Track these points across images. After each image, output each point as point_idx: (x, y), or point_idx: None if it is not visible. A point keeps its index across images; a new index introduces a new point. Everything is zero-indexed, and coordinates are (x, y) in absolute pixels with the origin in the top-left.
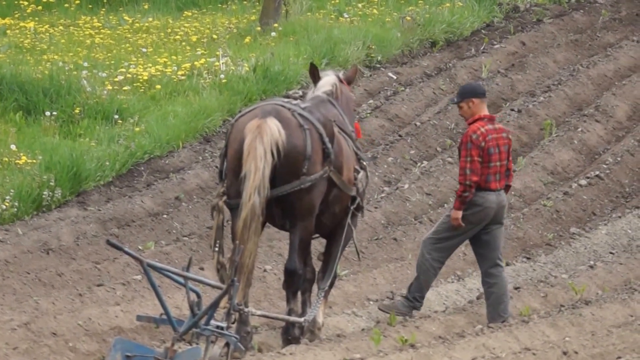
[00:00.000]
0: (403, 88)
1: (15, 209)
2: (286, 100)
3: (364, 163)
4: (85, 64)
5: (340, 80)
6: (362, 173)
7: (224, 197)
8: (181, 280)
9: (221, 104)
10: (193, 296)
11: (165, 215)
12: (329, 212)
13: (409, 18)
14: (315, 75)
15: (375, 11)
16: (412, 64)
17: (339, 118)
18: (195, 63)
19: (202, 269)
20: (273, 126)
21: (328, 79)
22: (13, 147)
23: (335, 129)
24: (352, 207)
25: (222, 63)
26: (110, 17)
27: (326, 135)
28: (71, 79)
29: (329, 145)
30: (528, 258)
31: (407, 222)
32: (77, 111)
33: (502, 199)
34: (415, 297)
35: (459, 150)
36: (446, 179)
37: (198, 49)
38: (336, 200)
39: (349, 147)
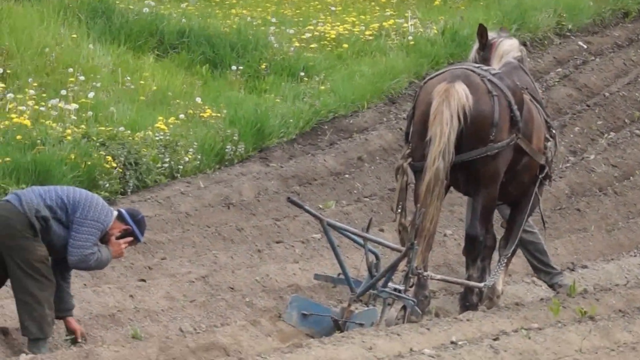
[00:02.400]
0: (593, 58)
1: (198, 162)
2: (477, 65)
3: (554, 132)
4: (274, 20)
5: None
6: (551, 142)
7: (409, 160)
8: (360, 240)
9: (408, 66)
10: (372, 257)
11: (347, 175)
12: (516, 180)
13: None
14: (483, 37)
15: None
16: (603, 34)
17: (530, 85)
18: (384, 23)
19: (382, 230)
20: (461, 91)
21: (512, 43)
22: (198, 99)
23: (527, 97)
24: (540, 176)
25: (411, 25)
26: None
27: (515, 103)
28: (259, 34)
29: (517, 113)
30: None
31: (591, 193)
32: (263, 67)
33: None
34: None
35: None
36: (633, 152)
37: (387, 10)
38: (524, 168)
39: (539, 115)
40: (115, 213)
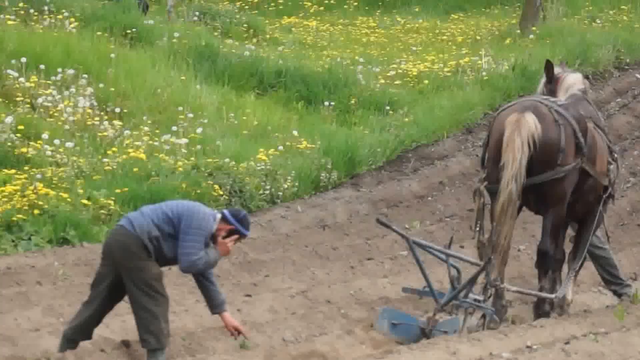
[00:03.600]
0: None
1: (296, 189)
2: (545, 97)
3: (616, 155)
4: (361, 60)
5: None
6: (613, 165)
7: (485, 183)
8: (443, 256)
9: (482, 99)
10: (453, 271)
11: (429, 198)
12: (582, 200)
13: None
14: (550, 72)
15: (625, 18)
16: None
17: (594, 114)
18: (460, 61)
19: (462, 247)
20: (530, 120)
21: (576, 77)
22: (295, 132)
23: (590, 125)
24: (604, 196)
25: (485, 62)
26: (385, 18)
27: (579, 130)
28: (348, 73)
29: (582, 140)
30: None
31: None
32: (352, 102)
33: None
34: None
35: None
36: None
37: (463, 49)
38: (589, 189)
39: (602, 141)
40: (219, 216)
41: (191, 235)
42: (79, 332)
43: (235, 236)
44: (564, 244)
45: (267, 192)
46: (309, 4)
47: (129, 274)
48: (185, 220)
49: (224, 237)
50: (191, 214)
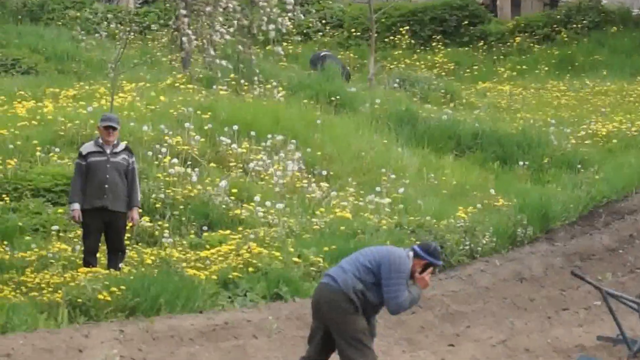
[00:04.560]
0: None
1: (494, 244)
2: None
3: None
4: (553, 121)
5: None
6: None
7: None
8: (635, 306)
9: None
10: None
11: (620, 251)
12: None
13: None
14: None
15: None
16: None
17: None
18: None
19: None
20: None
21: None
22: (492, 191)
23: None
24: None
25: None
26: (574, 82)
27: None
28: (540, 134)
29: None
30: None
31: None
32: (545, 161)
33: None
34: None
35: None
36: None
37: None
38: None
39: None
40: (411, 253)
41: (394, 279)
42: None
43: (430, 269)
44: None
45: (467, 247)
46: (502, 69)
47: (337, 327)
48: (384, 266)
49: (420, 272)
50: (388, 259)
